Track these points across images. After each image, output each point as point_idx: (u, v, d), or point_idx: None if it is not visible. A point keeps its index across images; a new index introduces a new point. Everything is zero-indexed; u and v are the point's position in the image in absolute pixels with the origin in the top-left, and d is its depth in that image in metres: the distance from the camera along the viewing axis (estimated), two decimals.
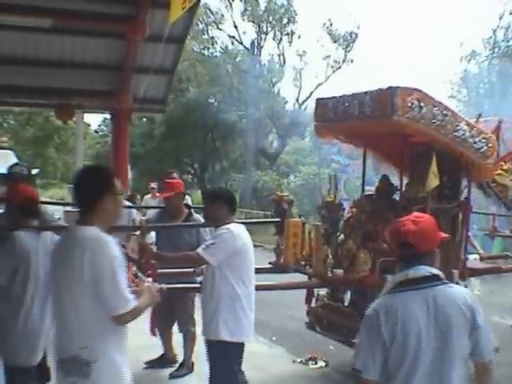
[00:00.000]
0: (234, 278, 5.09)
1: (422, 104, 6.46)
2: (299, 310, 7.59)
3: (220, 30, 35.09)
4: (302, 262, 7.03)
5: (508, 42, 40.77)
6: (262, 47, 35.98)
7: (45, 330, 4.58)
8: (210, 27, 34.67)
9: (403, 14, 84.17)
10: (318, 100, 7.64)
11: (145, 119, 32.96)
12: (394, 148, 7.56)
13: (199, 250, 5.05)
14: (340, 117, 6.99)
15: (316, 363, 7.67)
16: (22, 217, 4.64)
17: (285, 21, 35.55)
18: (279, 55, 36.69)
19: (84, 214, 3.38)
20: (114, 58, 10.64)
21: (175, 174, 8.36)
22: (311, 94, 37.13)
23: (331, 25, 36.38)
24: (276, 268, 6.99)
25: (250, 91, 29.98)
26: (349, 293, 7.26)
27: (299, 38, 36.53)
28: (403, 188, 7.34)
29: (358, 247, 6.99)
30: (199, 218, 7.14)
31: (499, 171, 8.31)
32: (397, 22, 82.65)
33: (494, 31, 40.58)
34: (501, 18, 40.12)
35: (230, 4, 34.53)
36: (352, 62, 36.80)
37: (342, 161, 19.31)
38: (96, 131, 49.49)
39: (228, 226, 5.13)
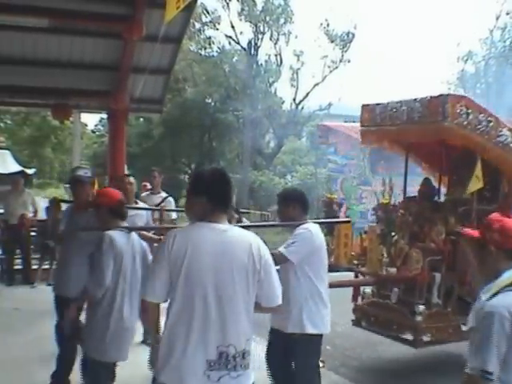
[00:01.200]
0: (313, 273, 5.34)
1: (469, 111, 6.90)
2: None
3: (217, 29, 35.10)
4: (355, 262, 7.45)
5: (505, 42, 40.85)
6: (258, 47, 35.94)
7: (133, 328, 4.90)
8: (206, 27, 34.64)
9: (400, 14, 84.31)
10: (364, 106, 7.93)
11: (142, 119, 33.01)
12: (432, 153, 8.12)
13: (281, 249, 5.25)
14: (387, 122, 7.43)
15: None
16: (111, 219, 4.96)
17: (282, 21, 35.60)
18: (276, 55, 36.73)
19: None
20: (110, 58, 10.64)
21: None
22: (308, 94, 37.33)
23: (328, 25, 36.49)
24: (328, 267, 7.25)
25: (247, 91, 30.05)
26: (395, 290, 7.35)
27: (296, 38, 36.59)
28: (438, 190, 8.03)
29: (411, 246, 7.27)
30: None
31: None
32: (394, 22, 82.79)
33: (491, 31, 40.65)
34: (498, 19, 40.21)
35: (227, 4, 34.50)
36: (349, 61, 36.93)
37: (338, 161, 19.33)
38: (93, 131, 49.51)
39: (306, 225, 5.36)
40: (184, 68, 31.31)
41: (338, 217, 6.99)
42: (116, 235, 4.79)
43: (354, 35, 36.38)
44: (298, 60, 36.69)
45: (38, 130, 45.31)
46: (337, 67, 36.79)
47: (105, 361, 4.77)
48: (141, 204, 7.75)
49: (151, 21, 9.48)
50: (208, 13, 34.19)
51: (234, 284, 3.26)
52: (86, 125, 45.24)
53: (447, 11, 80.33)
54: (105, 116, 13.82)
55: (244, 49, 34.97)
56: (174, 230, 3.55)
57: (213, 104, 33.58)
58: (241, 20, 34.96)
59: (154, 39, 9.55)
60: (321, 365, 7.59)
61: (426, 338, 7.03)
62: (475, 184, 7.02)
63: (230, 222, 3.72)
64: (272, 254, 5.00)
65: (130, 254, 4.81)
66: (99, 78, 10.72)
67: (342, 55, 36.69)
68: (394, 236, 7.52)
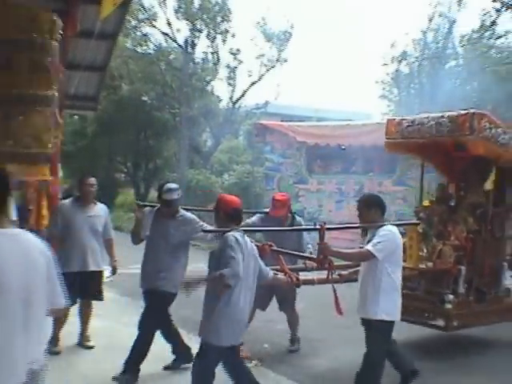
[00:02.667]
0: (391, 268, 6.33)
1: (491, 126, 8.23)
2: None
3: (153, 27, 34.59)
4: None
5: (437, 43, 41.69)
6: (195, 45, 35.60)
7: (246, 317, 5.85)
8: (143, 24, 34.23)
9: (337, 15, 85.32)
10: (389, 120, 9.40)
11: (76, 117, 32.48)
12: (444, 162, 9.53)
13: (369, 248, 6.21)
14: (415, 135, 8.67)
15: (251, 362, 7.72)
16: (228, 222, 5.83)
17: (219, 19, 35.33)
18: (213, 53, 36.40)
19: None
20: None
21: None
22: (245, 92, 37.09)
23: (265, 24, 36.59)
24: None
25: (184, 89, 29.91)
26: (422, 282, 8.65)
27: (233, 36, 36.41)
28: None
29: (444, 243, 8.64)
30: (301, 220, 8.79)
31: None
32: (331, 23, 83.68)
33: (424, 33, 41.41)
34: (431, 20, 40.95)
35: (164, 1, 34.10)
36: (286, 61, 37.02)
37: (275, 159, 19.43)
38: None
39: (388, 227, 6.45)
40: (120, 65, 30.95)
41: None
42: (238, 236, 5.59)
43: (290, 35, 36.45)
44: (235, 58, 36.46)
45: None
46: (274, 66, 36.78)
47: (221, 345, 5.60)
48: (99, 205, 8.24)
49: (86, 17, 9.34)
50: (144, 9, 33.80)
51: (39, 288, 3.26)
52: None
53: (383, 13, 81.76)
54: None
55: (181, 46, 34.68)
56: None
57: (149, 102, 33.30)
58: (178, 18, 34.61)
59: (89, 36, 9.42)
60: (259, 363, 7.69)
61: (455, 324, 8.30)
62: (487, 187, 8.55)
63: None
64: (361, 252, 6.45)
65: (246, 252, 5.59)
66: None
67: (279, 54, 36.82)
68: (432, 235, 8.89)
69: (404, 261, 7.81)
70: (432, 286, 8.15)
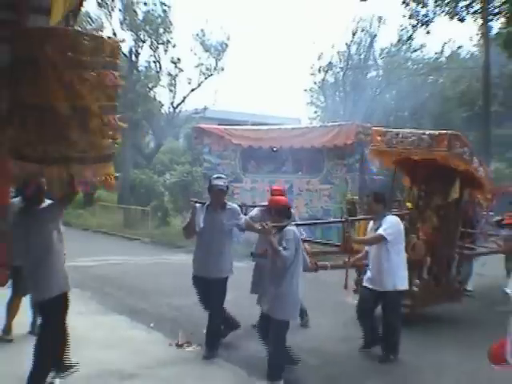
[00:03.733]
0: (399, 248, 7.53)
1: (459, 144, 9.16)
2: (176, 297, 7.64)
3: None
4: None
5: (360, 55, 42.52)
6: (139, 54, 35.55)
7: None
8: None
9: (272, 28, 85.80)
10: (375, 129, 10.21)
11: None
12: (412, 169, 10.10)
13: (382, 232, 7.31)
14: (396, 145, 9.44)
15: (190, 346, 7.75)
16: (282, 218, 6.47)
17: (161, 30, 35.36)
18: (155, 62, 36.44)
19: None
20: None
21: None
22: (185, 98, 37.35)
23: (204, 35, 36.78)
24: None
25: (128, 95, 29.59)
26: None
27: (174, 46, 36.40)
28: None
29: (418, 238, 9.36)
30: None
31: None
32: (266, 36, 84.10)
33: (348, 46, 42.13)
34: (354, 35, 41.77)
35: (110, 13, 33.89)
36: (223, 69, 37.18)
37: (212, 160, 19.41)
38: None
39: (393, 217, 7.64)
40: None
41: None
42: (296, 230, 6.38)
43: (227, 45, 36.81)
44: (176, 67, 36.63)
45: None
46: (211, 74, 37.03)
47: (288, 320, 6.37)
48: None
49: (36, 26, 9.20)
50: (92, 20, 33.48)
51: None
52: None
53: (312, 26, 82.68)
54: None
55: (125, 55, 34.41)
56: None
57: None
58: (123, 29, 34.41)
59: None
60: (198, 347, 7.68)
61: (419, 303, 9.23)
62: (454, 194, 9.50)
63: None
64: (376, 236, 7.42)
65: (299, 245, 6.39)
66: None
67: (217, 63, 37.03)
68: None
69: None
70: (438, 270, 8.93)
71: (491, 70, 25.94)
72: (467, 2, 18.61)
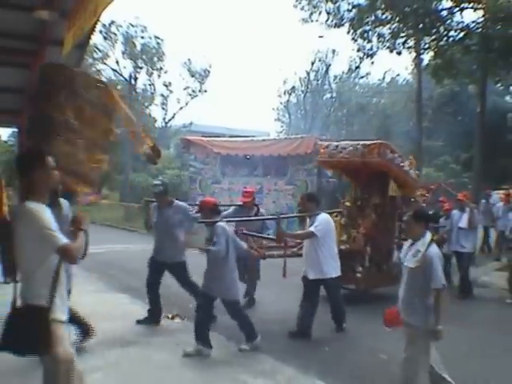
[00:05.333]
0: (328, 242, 7.00)
1: (390, 151, 9.17)
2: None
3: (105, 64, 34.49)
4: None
5: (318, 81, 42.77)
6: (137, 78, 35.90)
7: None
8: (97, 62, 33.94)
9: (245, 56, 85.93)
10: (321, 144, 10.05)
11: None
12: (355, 173, 9.87)
13: (312, 229, 6.83)
14: (338, 156, 9.36)
15: (179, 318, 7.71)
16: (213, 215, 6.33)
17: (155, 59, 35.87)
18: (150, 85, 36.99)
19: None
20: (20, 83, 10.06)
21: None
22: (175, 115, 38.08)
23: (190, 63, 37.10)
24: None
25: (128, 112, 29.49)
26: None
27: (166, 72, 36.72)
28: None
29: (357, 232, 9.35)
30: (263, 212, 9.03)
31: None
32: (241, 63, 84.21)
33: (308, 73, 42.40)
34: (313, 64, 42.09)
35: (113, 45, 34.17)
36: (206, 91, 37.56)
37: (197, 166, 19.35)
38: (5, 141, 46.35)
39: (323, 215, 7.04)
40: None
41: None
42: (224, 225, 6.20)
43: (209, 72, 37.37)
44: (167, 89, 37.16)
45: None
46: (196, 95, 37.44)
47: (232, 299, 6.28)
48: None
49: (52, 55, 9.13)
50: (99, 50, 33.61)
51: None
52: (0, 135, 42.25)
53: (278, 56, 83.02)
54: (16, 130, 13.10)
55: (126, 79, 34.49)
56: None
57: None
58: (124, 57, 34.84)
59: None
60: (185, 319, 7.61)
61: (362, 287, 9.16)
62: (389, 193, 9.41)
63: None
64: (307, 232, 6.93)
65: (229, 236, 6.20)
66: (10, 98, 10.14)
67: (201, 86, 37.29)
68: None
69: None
70: (348, 261, 8.47)
71: (422, 93, 26.34)
72: (403, 39, 18.84)
